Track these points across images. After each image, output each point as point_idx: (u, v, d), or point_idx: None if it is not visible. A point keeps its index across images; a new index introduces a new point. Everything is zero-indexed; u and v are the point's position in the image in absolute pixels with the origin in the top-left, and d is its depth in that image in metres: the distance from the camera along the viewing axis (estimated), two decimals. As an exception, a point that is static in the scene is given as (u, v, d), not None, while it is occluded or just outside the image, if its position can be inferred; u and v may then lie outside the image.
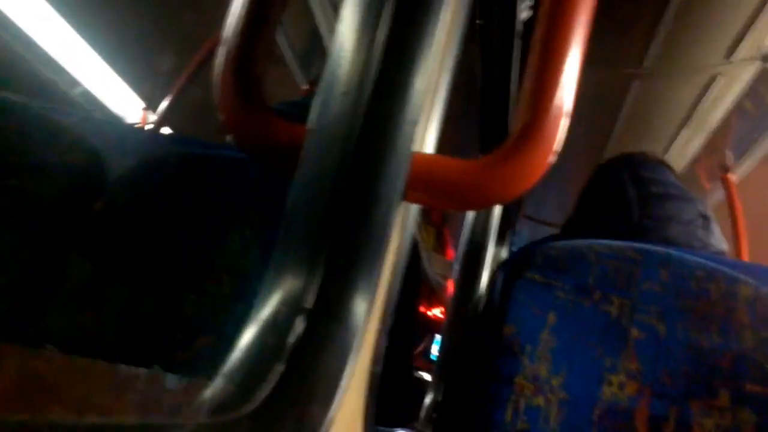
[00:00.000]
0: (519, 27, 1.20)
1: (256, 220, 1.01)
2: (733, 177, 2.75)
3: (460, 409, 1.28)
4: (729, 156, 2.67)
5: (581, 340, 1.11)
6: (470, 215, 1.94)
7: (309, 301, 0.51)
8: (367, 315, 0.54)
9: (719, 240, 1.35)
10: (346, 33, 0.58)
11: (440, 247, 6.12)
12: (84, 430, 0.38)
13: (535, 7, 1.19)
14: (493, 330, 1.18)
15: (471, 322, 1.59)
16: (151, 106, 3.05)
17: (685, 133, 2.54)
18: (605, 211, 1.41)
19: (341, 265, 0.53)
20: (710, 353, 1.05)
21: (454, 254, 6.11)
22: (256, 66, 0.64)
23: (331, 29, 2.29)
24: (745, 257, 2.62)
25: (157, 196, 1.06)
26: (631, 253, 1.15)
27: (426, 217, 5.16)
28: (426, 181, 0.60)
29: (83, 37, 2.66)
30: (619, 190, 1.39)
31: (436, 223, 5.63)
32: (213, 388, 0.49)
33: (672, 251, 1.14)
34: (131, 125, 2.92)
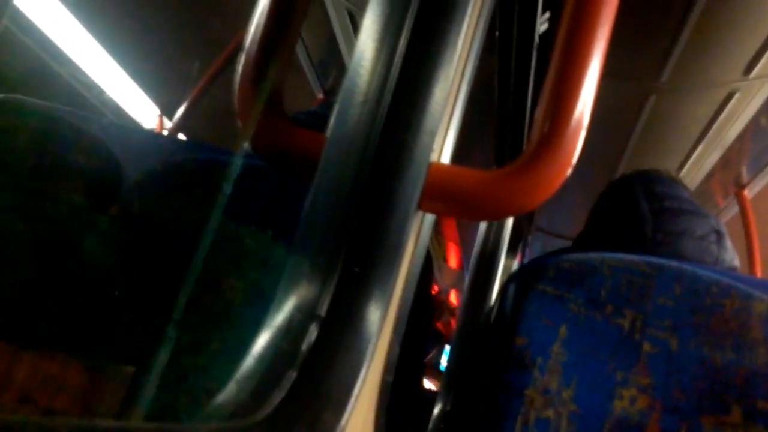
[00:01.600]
0: (536, 40, 1.21)
1: (272, 227, 1.02)
2: (748, 193, 2.74)
3: (469, 420, 1.27)
4: (744, 172, 2.67)
5: (593, 354, 1.10)
6: (483, 226, 1.94)
7: (323, 309, 0.51)
8: (381, 324, 0.54)
9: (732, 256, 1.34)
10: (366, 42, 0.58)
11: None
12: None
13: (552, 21, 1.20)
14: (504, 341, 1.17)
15: (481, 332, 1.59)
16: (167, 112, 3.08)
17: (700, 148, 2.53)
18: (618, 225, 1.40)
19: (356, 273, 0.53)
20: (723, 369, 1.04)
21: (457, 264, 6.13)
22: (276, 75, 0.64)
23: (349, 39, 2.30)
24: (759, 273, 2.60)
25: (172, 201, 1.06)
26: (644, 267, 1.14)
27: (436, 227, 5.16)
28: (442, 191, 0.60)
29: (100, 42, 2.69)
30: (633, 204, 1.39)
31: (447, 234, 5.63)
32: (226, 394, 0.49)
33: (685, 266, 1.13)
34: (148, 131, 2.94)
